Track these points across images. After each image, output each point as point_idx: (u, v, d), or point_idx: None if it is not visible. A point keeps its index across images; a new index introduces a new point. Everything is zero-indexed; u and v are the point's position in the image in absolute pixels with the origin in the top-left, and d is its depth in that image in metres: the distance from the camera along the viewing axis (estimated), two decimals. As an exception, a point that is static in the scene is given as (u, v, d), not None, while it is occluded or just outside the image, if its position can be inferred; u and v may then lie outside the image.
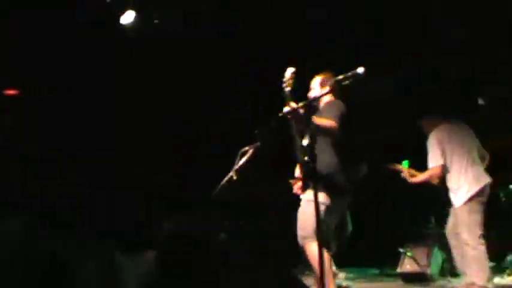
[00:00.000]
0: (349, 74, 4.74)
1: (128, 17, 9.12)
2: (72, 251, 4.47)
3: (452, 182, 7.01)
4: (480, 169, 7.02)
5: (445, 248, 8.73)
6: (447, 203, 9.70)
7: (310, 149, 5.00)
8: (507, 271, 8.49)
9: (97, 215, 8.30)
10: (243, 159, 6.36)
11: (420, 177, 7.23)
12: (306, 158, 5.23)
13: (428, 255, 8.31)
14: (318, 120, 5.36)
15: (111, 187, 8.96)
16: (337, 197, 5.71)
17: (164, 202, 8.26)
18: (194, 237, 3.84)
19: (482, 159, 7.18)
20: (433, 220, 9.02)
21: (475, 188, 6.85)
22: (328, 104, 5.90)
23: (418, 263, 8.26)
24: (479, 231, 6.79)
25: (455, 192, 6.96)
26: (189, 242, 3.78)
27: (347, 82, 4.77)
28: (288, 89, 5.34)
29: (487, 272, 6.73)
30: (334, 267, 8.19)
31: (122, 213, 8.11)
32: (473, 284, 6.63)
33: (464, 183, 6.90)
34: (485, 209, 6.64)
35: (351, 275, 8.61)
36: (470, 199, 6.84)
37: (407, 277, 8.30)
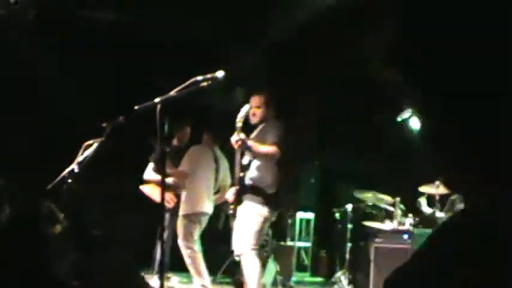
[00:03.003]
0: (209, 76, 4.74)
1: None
2: None
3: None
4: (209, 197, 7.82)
5: (280, 260, 8.92)
6: (283, 217, 9.91)
7: (249, 167, 6.33)
8: (335, 286, 8.77)
9: None
10: (86, 153, 6.19)
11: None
12: (241, 175, 6.39)
13: (263, 265, 8.40)
14: (260, 148, 6.22)
15: None
16: (273, 211, 6.37)
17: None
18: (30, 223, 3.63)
19: (217, 191, 7.98)
20: (270, 232, 9.16)
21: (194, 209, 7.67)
22: (268, 124, 6.50)
23: (251, 272, 8.34)
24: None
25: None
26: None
27: (205, 84, 4.76)
28: (240, 124, 6.19)
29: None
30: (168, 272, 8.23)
31: None
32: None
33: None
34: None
35: (185, 280, 8.56)
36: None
37: (240, 284, 8.35)
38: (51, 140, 9.11)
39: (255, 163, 6.40)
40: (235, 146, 6.26)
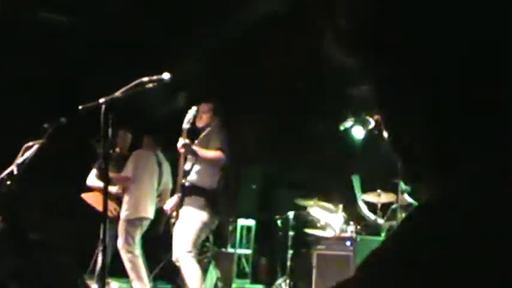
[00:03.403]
0: (155, 77, 4.71)
1: None
2: None
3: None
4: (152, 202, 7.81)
5: (220, 266, 8.89)
6: (224, 223, 9.85)
7: (190, 172, 6.36)
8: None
9: None
10: (26, 154, 6.07)
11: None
12: (183, 181, 6.43)
13: (204, 272, 8.36)
14: (205, 153, 6.27)
15: None
16: (214, 216, 6.41)
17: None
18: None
19: (159, 195, 7.96)
20: (211, 239, 9.12)
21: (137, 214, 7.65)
22: (213, 130, 6.56)
23: (193, 279, 8.30)
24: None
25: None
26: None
27: (151, 85, 4.72)
28: (187, 126, 6.33)
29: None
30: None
31: None
32: None
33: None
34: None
35: (124, 285, 8.46)
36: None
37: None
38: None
39: (196, 167, 6.41)
40: (181, 151, 6.25)
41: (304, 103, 10.45)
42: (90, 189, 8.00)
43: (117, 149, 8.12)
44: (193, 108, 6.46)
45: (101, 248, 7.44)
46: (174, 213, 6.55)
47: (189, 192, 6.42)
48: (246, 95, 10.41)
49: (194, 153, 6.28)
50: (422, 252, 0.81)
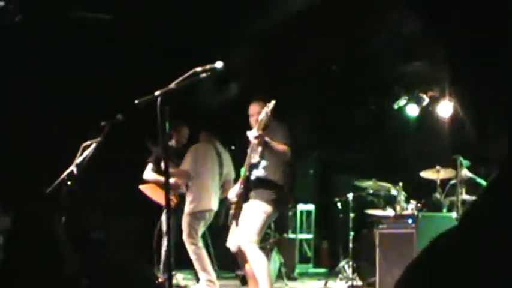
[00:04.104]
0: (208, 67, 4.70)
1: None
2: None
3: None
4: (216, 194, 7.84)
5: (283, 252, 8.92)
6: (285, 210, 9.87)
7: (258, 166, 6.35)
8: (339, 276, 8.76)
9: None
10: (85, 153, 6.14)
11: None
12: (248, 174, 6.38)
13: (267, 259, 8.40)
14: (277, 146, 6.15)
15: None
16: (278, 209, 6.37)
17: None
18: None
19: (222, 186, 7.94)
20: (272, 226, 9.15)
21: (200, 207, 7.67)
22: (273, 127, 6.36)
23: (256, 266, 8.33)
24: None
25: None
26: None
27: (204, 75, 4.72)
28: (266, 117, 6.02)
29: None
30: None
31: None
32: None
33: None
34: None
35: (190, 276, 8.55)
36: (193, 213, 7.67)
37: (245, 279, 8.35)
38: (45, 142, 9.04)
39: (263, 163, 6.35)
40: (254, 141, 6.16)
41: (355, 84, 10.35)
42: (147, 183, 8.05)
43: (173, 143, 8.14)
44: (272, 102, 6.30)
45: (165, 239, 7.60)
46: (234, 206, 6.53)
47: (254, 185, 6.39)
48: (298, 80, 10.38)
49: (266, 145, 6.21)
50: None
